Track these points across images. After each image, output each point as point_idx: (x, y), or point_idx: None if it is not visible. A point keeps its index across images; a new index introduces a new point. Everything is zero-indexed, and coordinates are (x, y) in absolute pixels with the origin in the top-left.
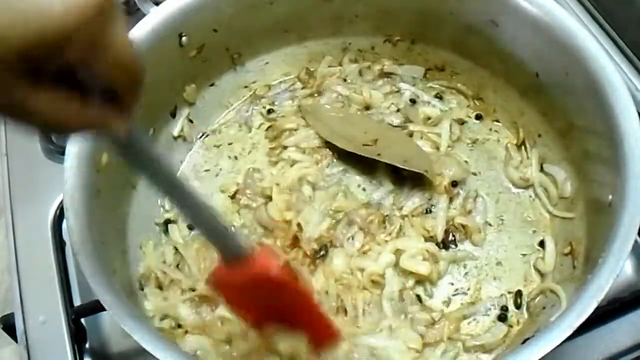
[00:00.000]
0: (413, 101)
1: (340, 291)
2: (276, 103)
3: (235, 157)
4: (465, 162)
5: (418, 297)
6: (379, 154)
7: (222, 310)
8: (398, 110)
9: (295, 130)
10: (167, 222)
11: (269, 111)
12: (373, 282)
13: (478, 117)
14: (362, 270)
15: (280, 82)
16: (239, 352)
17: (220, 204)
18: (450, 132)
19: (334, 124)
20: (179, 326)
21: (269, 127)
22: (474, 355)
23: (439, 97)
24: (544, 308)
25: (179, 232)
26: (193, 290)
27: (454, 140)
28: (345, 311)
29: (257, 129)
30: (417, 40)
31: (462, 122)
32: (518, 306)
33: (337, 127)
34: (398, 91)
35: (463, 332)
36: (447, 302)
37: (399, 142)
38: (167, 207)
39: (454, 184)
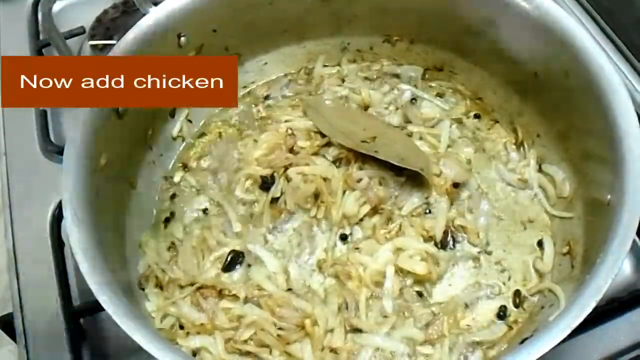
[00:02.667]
0: (412, 101)
1: (342, 288)
2: (274, 99)
3: (234, 156)
4: (469, 161)
5: (419, 293)
6: (376, 151)
7: (225, 303)
8: (397, 109)
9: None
10: (167, 218)
11: (267, 107)
12: (374, 281)
13: (477, 117)
14: (363, 266)
15: (279, 80)
16: (245, 329)
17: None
18: (448, 132)
19: (334, 119)
20: (181, 327)
21: (263, 117)
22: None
23: (438, 97)
24: (542, 308)
25: (180, 226)
26: (192, 284)
27: (453, 140)
28: (348, 309)
29: (255, 125)
30: (415, 40)
31: (460, 122)
32: (517, 306)
33: (338, 122)
34: (397, 91)
35: (462, 329)
36: (446, 301)
37: (397, 141)
38: (167, 203)
39: (455, 185)
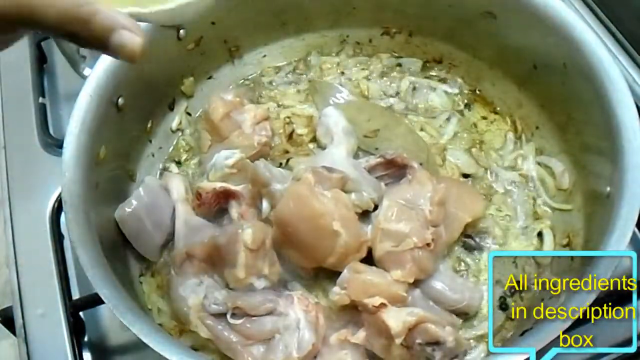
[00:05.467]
0: (412, 93)
1: None
2: (274, 85)
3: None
4: (469, 152)
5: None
6: (376, 148)
7: None
8: (398, 100)
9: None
10: None
11: (269, 90)
12: None
13: (476, 109)
14: None
15: (278, 72)
16: None
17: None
18: (449, 124)
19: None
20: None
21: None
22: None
23: (438, 89)
24: (542, 300)
25: None
26: None
27: (454, 132)
28: None
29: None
30: (415, 32)
31: (460, 114)
32: (516, 298)
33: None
34: (396, 83)
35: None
36: None
37: (400, 134)
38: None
39: (466, 176)
